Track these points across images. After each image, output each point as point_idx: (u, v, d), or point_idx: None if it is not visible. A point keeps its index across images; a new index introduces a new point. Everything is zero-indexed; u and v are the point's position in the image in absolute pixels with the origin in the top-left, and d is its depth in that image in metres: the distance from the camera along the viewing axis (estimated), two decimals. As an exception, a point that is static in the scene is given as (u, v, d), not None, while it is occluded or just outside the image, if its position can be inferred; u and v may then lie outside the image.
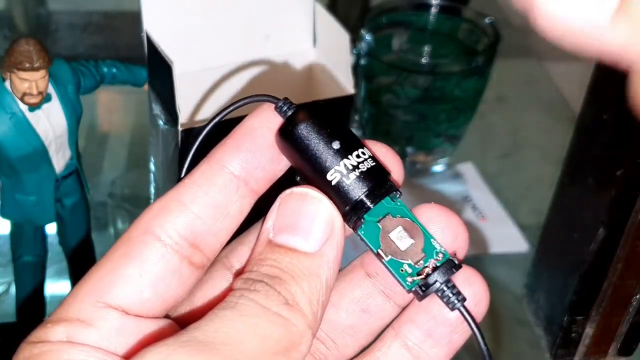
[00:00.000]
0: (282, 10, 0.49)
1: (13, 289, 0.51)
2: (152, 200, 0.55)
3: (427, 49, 0.66)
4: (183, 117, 0.42)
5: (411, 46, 0.67)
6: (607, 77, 0.44)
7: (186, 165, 0.25)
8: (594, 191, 0.46)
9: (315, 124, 0.24)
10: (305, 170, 0.24)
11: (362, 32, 0.61)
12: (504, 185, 0.66)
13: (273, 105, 0.24)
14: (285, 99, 0.24)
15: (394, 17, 0.66)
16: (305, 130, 0.23)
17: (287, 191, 0.23)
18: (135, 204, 0.60)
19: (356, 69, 0.61)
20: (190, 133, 0.42)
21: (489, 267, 0.59)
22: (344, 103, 0.46)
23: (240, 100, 0.25)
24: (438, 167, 0.67)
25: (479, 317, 0.24)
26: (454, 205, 0.63)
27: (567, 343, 0.50)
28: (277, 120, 0.24)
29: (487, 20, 0.64)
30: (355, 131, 0.66)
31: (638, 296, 0.47)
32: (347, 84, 0.46)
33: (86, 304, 0.22)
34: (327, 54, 0.49)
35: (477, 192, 0.65)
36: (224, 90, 0.48)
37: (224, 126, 0.25)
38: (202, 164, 0.24)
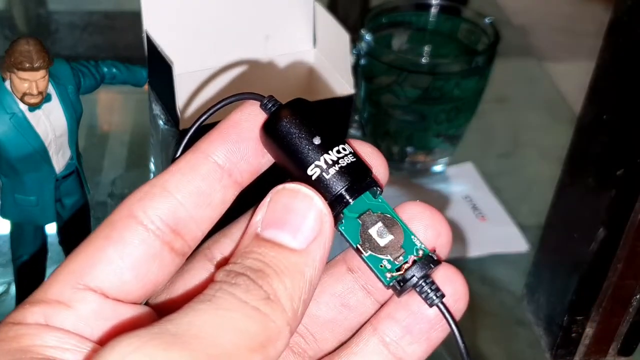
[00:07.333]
0: (282, 10, 0.49)
1: (13, 289, 0.50)
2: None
3: (427, 49, 0.66)
4: (183, 117, 0.42)
5: (411, 46, 0.67)
6: (607, 77, 0.43)
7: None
8: (594, 191, 0.46)
9: (297, 120, 0.24)
10: (287, 166, 0.24)
11: (362, 32, 0.61)
12: (504, 185, 0.66)
13: (258, 103, 0.25)
14: (270, 96, 0.25)
15: (394, 17, 0.66)
16: (287, 126, 0.24)
17: (279, 187, 0.23)
18: (135, 204, 0.60)
19: (356, 69, 0.61)
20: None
21: (489, 267, 0.59)
22: (344, 103, 0.46)
23: (226, 99, 0.25)
24: (438, 167, 0.67)
25: (458, 314, 0.24)
26: (454, 205, 0.63)
27: (567, 343, 0.50)
28: (262, 117, 0.24)
29: (487, 20, 0.64)
30: (355, 131, 0.67)
31: (638, 296, 0.47)
32: (347, 84, 0.46)
33: (66, 285, 0.22)
34: (327, 54, 0.49)
35: (477, 192, 0.65)
36: (224, 91, 0.48)
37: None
38: (188, 153, 0.24)
